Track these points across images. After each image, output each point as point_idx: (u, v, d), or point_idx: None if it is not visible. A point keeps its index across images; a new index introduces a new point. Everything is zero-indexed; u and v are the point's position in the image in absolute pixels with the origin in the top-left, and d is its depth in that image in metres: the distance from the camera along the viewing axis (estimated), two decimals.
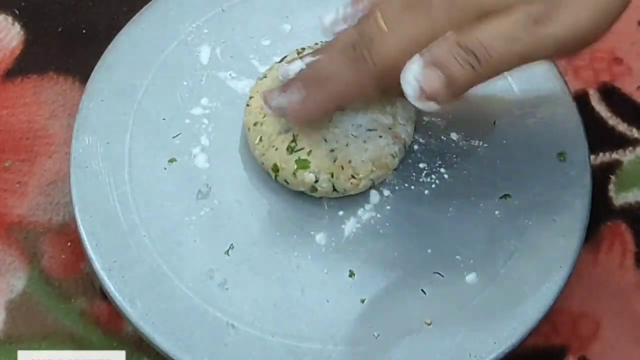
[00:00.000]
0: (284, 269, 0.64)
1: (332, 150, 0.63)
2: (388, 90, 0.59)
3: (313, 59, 0.61)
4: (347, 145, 0.63)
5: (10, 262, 0.68)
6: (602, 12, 0.55)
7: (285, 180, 0.64)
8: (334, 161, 0.63)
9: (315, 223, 0.65)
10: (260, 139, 0.64)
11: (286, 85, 0.61)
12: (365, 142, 0.64)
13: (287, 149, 0.63)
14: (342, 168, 0.63)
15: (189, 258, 0.63)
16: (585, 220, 0.65)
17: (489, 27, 0.54)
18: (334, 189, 0.64)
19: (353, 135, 0.64)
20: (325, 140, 0.63)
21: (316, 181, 0.63)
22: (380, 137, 0.64)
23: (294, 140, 0.63)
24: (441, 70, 0.55)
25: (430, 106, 0.56)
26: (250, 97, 0.65)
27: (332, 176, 0.63)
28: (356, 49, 0.58)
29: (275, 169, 0.64)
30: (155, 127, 0.67)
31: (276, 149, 0.63)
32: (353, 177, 0.64)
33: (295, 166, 0.63)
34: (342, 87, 0.59)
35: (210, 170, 0.66)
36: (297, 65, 0.62)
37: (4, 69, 0.74)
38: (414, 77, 0.55)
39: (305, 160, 0.63)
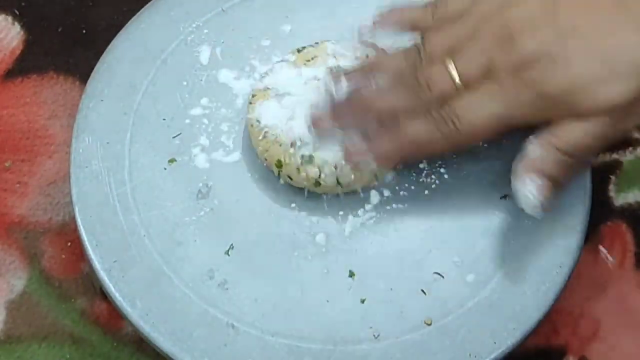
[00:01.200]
0: (284, 269, 0.64)
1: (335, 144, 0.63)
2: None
3: (383, 95, 0.62)
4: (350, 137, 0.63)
5: (10, 262, 0.68)
6: None
7: (289, 177, 0.64)
8: (338, 154, 0.63)
9: (315, 223, 0.65)
10: (264, 135, 0.64)
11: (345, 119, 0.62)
12: None
13: (291, 144, 0.63)
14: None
15: (189, 258, 0.63)
16: (585, 220, 0.65)
17: (583, 129, 0.59)
18: (338, 183, 0.64)
19: None
20: None
21: (320, 175, 0.63)
22: None
23: None
24: (550, 180, 0.60)
25: (539, 212, 0.61)
26: (253, 96, 0.65)
27: (336, 169, 0.63)
28: (443, 115, 0.60)
29: (279, 164, 0.64)
30: (155, 127, 0.67)
31: (280, 145, 0.63)
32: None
33: (300, 161, 0.63)
34: (418, 144, 0.61)
35: (210, 170, 0.66)
36: (343, 85, 0.62)
37: (4, 69, 0.74)
38: (538, 200, 0.60)
39: (310, 155, 0.63)
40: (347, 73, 0.63)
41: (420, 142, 0.61)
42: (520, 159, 0.60)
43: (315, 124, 0.63)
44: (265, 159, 0.64)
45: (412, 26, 0.64)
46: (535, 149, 0.60)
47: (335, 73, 0.63)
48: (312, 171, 0.63)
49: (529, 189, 0.60)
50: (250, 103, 0.65)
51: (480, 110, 0.59)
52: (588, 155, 0.61)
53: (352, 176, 0.64)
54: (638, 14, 0.58)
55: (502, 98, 0.59)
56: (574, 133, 0.59)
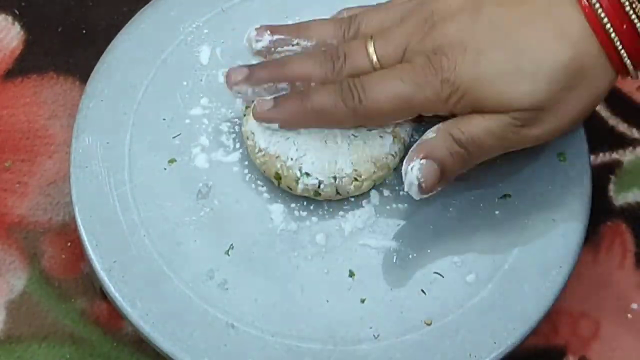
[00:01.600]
0: (284, 269, 0.64)
1: (333, 154, 0.63)
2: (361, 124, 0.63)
3: (298, 60, 0.63)
4: (348, 146, 0.63)
5: (10, 262, 0.68)
6: (584, 114, 0.61)
7: (289, 187, 0.64)
8: (336, 165, 0.63)
9: (315, 223, 0.65)
10: (260, 149, 0.64)
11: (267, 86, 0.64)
12: (365, 142, 0.64)
13: (289, 157, 0.63)
14: (344, 171, 0.63)
15: (189, 258, 0.63)
16: (585, 220, 0.65)
17: (482, 125, 0.60)
18: (337, 192, 0.64)
19: (354, 135, 0.64)
20: (326, 143, 0.63)
21: (319, 186, 0.63)
22: (381, 137, 0.64)
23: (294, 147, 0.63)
24: (438, 166, 0.61)
25: (424, 196, 0.62)
26: (246, 107, 0.65)
27: (335, 180, 0.63)
28: (350, 85, 0.61)
29: (278, 177, 0.64)
30: (155, 127, 0.67)
31: (277, 157, 0.63)
32: (356, 179, 0.64)
33: (298, 173, 0.63)
34: (322, 113, 0.62)
35: (210, 170, 0.66)
36: (266, 40, 0.64)
37: (4, 69, 0.74)
38: (416, 177, 0.60)
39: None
40: (273, 28, 0.64)
41: (324, 111, 0.62)
42: (417, 142, 0.61)
43: (228, 78, 0.63)
44: (264, 171, 0.64)
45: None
46: (433, 134, 0.61)
47: (261, 27, 0.64)
48: (311, 183, 0.63)
49: (412, 165, 0.60)
50: (244, 115, 0.65)
51: (385, 86, 0.60)
52: (482, 153, 0.61)
53: (352, 186, 0.64)
54: (560, 20, 0.58)
55: (409, 78, 0.60)
56: (473, 127, 0.60)
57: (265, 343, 0.62)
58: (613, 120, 0.74)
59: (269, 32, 0.64)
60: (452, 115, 0.61)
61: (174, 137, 0.67)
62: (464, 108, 0.60)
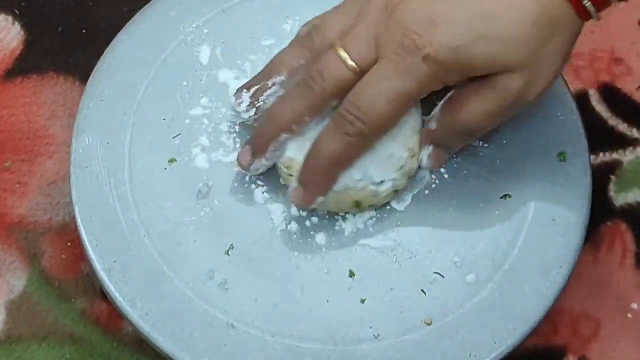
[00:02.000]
0: (284, 269, 0.64)
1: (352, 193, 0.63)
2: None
3: (282, 106, 0.62)
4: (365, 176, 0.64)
5: (10, 262, 0.68)
6: (563, 62, 0.61)
7: (370, 206, 0.65)
8: (392, 157, 0.63)
9: (315, 223, 0.65)
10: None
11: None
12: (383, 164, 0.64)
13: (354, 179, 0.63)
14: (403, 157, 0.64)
15: (189, 258, 0.63)
16: (585, 220, 0.65)
17: (478, 108, 0.61)
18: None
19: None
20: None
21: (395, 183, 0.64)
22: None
23: None
24: (444, 150, 0.64)
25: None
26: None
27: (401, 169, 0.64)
28: (343, 115, 0.60)
29: (357, 204, 0.64)
30: (155, 127, 0.67)
31: (347, 189, 0.63)
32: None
33: (373, 187, 0.63)
34: (337, 156, 0.62)
35: (210, 170, 0.66)
36: (246, 98, 0.64)
37: (4, 69, 0.74)
38: (426, 163, 0.65)
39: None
40: (246, 85, 0.64)
41: (337, 155, 0.61)
42: (425, 129, 0.64)
43: (241, 166, 0.64)
44: (341, 209, 0.65)
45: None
46: (434, 124, 0.63)
47: (237, 91, 0.65)
48: (386, 187, 0.64)
49: (422, 152, 0.64)
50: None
51: (378, 94, 0.60)
52: (484, 129, 0.63)
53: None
54: None
55: (392, 73, 0.59)
56: (469, 110, 0.61)
57: (265, 343, 0.62)
58: (613, 120, 0.74)
59: (244, 90, 0.64)
60: (448, 89, 0.61)
61: (174, 137, 0.67)
62: (455, 78, 0.60)
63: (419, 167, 0.65)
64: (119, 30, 0.70)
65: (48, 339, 0.66)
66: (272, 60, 0.64)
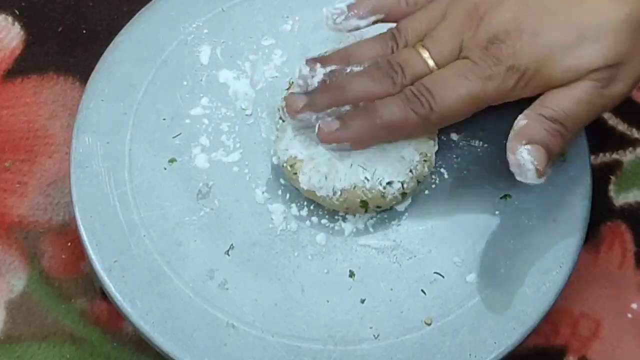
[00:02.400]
0: (284, 269, 0.64)
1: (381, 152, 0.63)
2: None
3: (358, 80, 0.62)
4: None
5: (10, 262, 0.68)
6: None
7: (377, 207, 0.64)
8: (403, 160, 0.63)
9: (315, 223, 0.65)
10: (335, 191, 0.63)
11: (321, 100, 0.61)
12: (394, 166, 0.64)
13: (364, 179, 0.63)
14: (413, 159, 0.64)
15: (189, 258, 0.63)
16: (585, 220, 0.65)
17: (568, 96, 0.60)
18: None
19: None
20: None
21: (403, 186, 0.63)
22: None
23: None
24: (545, 147, 0.60)
25: (540, 180, 0.61)
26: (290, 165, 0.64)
27: (412, 172, 0.64)
28: (416, 94, 0.60)
29: (364, 204, 0.63)
30: (155, 127, 0.67)
31: (354, 187, 0.63)
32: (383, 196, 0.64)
33: (381, 188, 0.63)
34: (393, 126, 0.61)
35: (210, 170, 0.66)
36: (320, 74, 0.62)
37: (4, 69, 0.74)
38: (531, 162, 0.60)
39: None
40: (323, 59, 0.63)
41: (395, 124, 0.61)
42: (512, 133, 0.61)
43: (288, 107, 0.62)
44: (347, 208, 0.64)
45: (386, 12, 0.64)
46: (524, 120, 0.61)
47: (312, 60, 0.62)
48: (396, 188, 0.63)
49: (520, 152, 0.60)
50: (289, 168, 0.64)
51: (454, 88, 0.60)
52: (577, 125, 0.61)
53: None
54: None
55: (475, 75, 0.60)
56: (560, 101, 0.60)
57: (265, 343, 0.62)
58: (613, 120, 0.74)
59: (319, 64, 0.62)
60: (519, 100, 0.61)
61: (174, 137, 0.67)
62: (534, 90, 0.60)
63: (520, 177, 0.62)
64: (119, 30, 0.70)
65: (48, 339, 0.66)
66: (352, 48, 0.63)
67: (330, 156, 0.63)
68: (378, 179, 0.63)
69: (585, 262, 0.69)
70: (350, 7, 0.64)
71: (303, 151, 0.63)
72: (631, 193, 0.72)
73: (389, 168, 0.63)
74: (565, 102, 0.60)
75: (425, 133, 0.63)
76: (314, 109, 0.61)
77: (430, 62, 0.61)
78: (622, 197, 0.71)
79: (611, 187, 0.72)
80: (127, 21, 0.70)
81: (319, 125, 0.61)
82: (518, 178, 0.61)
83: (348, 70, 0.62)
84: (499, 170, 0.66)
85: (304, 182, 0.63)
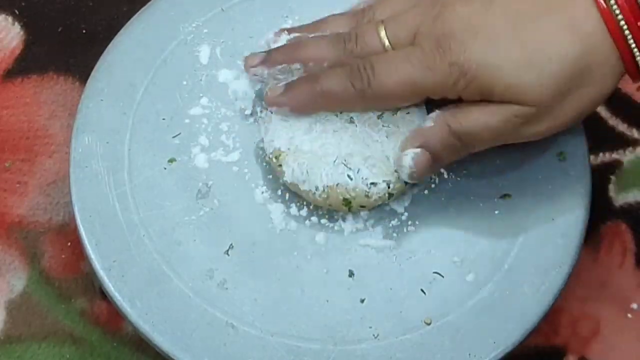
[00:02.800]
0: (283, 269, 0.64)
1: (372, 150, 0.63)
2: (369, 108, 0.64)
3: (312, 42, 0.64)
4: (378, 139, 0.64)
5: (10, 262, 0.68)
6: (585, 113, 0.61)
7: (361, 206, 0.64)
8: (389, 160, 0.63)
9: (315, 223, 0.65)
10: (317, 187, 0.63)
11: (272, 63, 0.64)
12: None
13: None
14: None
15: (188, 258, 0.63)
16: (585, 220, 0.65)
17: (481, 119, 0.60)
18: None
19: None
20: (364, 141, 0.63)
21: (389, 187, 0.63)
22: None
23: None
24: (431, 155, 0.61)
25: (412, 181, 0.63)
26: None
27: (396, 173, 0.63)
28: (359, 68, 0.61)
29: (347, 203, 0.63)
30: (155, 127, 0.67)
31: (337, 185, 0.63)
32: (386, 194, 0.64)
33: (366, 188, 0.63)
34: (331, 96, 0.62)
35: (210, 170, 0.66)
36: (283, 39, 0.65)
37: (4, 69, 0.74)
38: (408, 165, 0.62)
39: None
40: (290, 29, 0.66)
41: (332, 94, 0.62)
42: (411, 131, 0.62)
43: (246, 62, 0.65)
44: (329, 204, 0.64)
45: None
46: (431, 122, 0.61)
47: (279, 30, 0.66)
48: (381, 188, 0.63)
49: (407, 152, 0.61)
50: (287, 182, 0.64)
51: (394, 70, 0.61)
52: (476, 145, 0.62)
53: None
54: (573, 14, 0.58)
55: (418, 62, 0.60)
56: (472, 121, 0.60)
57: (265, 343, 0.62)
58: (613, 121, 0.74)
59: (286, 32, 0.65)
60: (459, 100, 0.61)
61: (173, 137, 0.67)
62: (472, 93, 0.60)
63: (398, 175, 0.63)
64: (119, 30, 0.70)
65: (48, 339, 0.66)
66: (323, 19, 0.66)
67: (311, 148, 0.63)
68: (362, 178, 0.63)
69: (585, 262, 0.69)
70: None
71: (287, 142, 0.63)
72: (631, 193, 0.72)
73: (373, 168, 0.63)
74: (476, 122, 0.60)
75: (364, 110, 0.63)
76: (267, 64, 0.64)
77: (386, 42, 0.62)
78: (622, 197, 0.71)
79: (611, 187, 0.72)
80: (127, 21, 0.70)
81: (267, 90, 0.64)
82: (396, 169, 0.62)
83: (311, 36, 0.65)
84: (499, 170, 0.66)
85: (287, 174, 0.63)
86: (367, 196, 0.63)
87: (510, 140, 0.62)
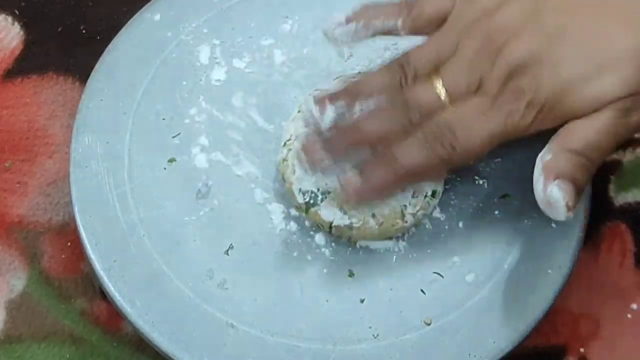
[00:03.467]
0: (283, 269, 0.64)
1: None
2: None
3: (373, 120, 0.60)
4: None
5: (10, 262, 0.68)
6: None
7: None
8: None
9: (314, 223, 0.65)
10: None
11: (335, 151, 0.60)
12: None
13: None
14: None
15: (188, 258, 0.63)
16: (585, 220, 0.65)
17: (590, 128, 0.58)
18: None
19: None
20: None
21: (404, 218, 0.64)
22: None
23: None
24: (573, 183, 0.58)
25: (570, 215, 0.59)
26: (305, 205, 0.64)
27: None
28: (435, 134, 0.59)
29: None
30: (155, 127, 0.67)
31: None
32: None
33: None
34: (416, 171, 0.60)
35: (210, 170, 0.66)
36: (330, 113, 0.61)
37: (4, 69, 0.74)
38: (562, 198, 0.58)
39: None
40: (331, 97, 0.61)
41: (417, 169, 0.60)
42: (538, 169, 0.59)
43: (307, 155, 0.61)
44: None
45: (384, 25, 0.63)
46: (549, 155, 0.59)
47: (320, 99, 0.61)
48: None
49: (553, 193, 0.58)
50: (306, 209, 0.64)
51: (475, 128, 0.59)
52: (601, 153, 0.60)
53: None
54: (618, 7, 0.58)
55: (495, 113, 0.58)
56: (582, 132, 0.59)
57: (265, 343, 0.62)
58: None
59: (328, 102, 0.60)
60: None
61: (173, 137, 0.67)
62: (553, 121, 0.59)
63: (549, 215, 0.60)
64: (119, 30, 0.70)
65: (48, 339, 0.66)
66: (360, 80, 0.62)
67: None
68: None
69: (585, 262, 0.68)
70: (348, 18, 0.63)
71: (314, 186, 0.63)
72: (631, 193, 0.71)
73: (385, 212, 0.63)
74: (588, 133, 0.58)
75: (444, 176, 0.62)
76: (334, 154, 0.60)
77: (443, 96, 0.59)
78: (621, 197, 0.71)
79: (611, 187, 0.72)
80: (127, 21, 0.70)
81: (341, 183, 0.60)
82: (549, 215, 0.59)
83: (356, 108, 0.61)
84: (499, 170, 0.66)
85: (327, 217, 0.63)
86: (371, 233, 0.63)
87: (625, 136, 0.59)
